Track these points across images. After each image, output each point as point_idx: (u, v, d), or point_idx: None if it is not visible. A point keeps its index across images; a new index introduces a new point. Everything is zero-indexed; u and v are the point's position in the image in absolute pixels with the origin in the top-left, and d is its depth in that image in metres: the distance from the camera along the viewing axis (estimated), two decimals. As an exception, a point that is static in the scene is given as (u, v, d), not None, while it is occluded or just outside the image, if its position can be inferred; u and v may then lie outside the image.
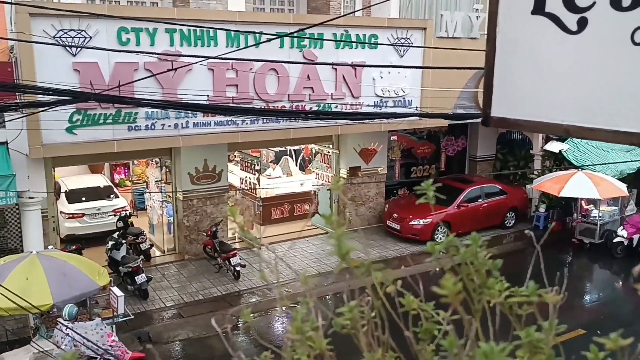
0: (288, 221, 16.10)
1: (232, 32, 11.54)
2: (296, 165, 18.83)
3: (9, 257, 9.78)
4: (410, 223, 15.22)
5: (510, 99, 1.33)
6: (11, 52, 10.66)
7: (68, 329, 8.13)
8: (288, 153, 18.93)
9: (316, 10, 16.36)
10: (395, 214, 15.74)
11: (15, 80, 9.98)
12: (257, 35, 11.26)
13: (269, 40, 10.52)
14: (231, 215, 1.86)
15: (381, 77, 13.62)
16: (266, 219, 15.71)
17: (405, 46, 13.73)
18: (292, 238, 15.15)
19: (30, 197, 10.76)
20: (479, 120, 1.45)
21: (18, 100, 9.80)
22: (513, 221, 16.69)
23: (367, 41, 13.23)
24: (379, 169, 16.58)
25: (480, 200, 16.07)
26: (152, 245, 14.30)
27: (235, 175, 16.52)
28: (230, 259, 12.74)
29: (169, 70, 10.14)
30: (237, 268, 12.78)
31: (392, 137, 16.96)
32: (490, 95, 1.32)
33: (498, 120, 1.32)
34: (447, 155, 18.69)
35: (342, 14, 15.20)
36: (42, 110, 9.53)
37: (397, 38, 13.65)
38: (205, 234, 13.56)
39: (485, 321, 1.29)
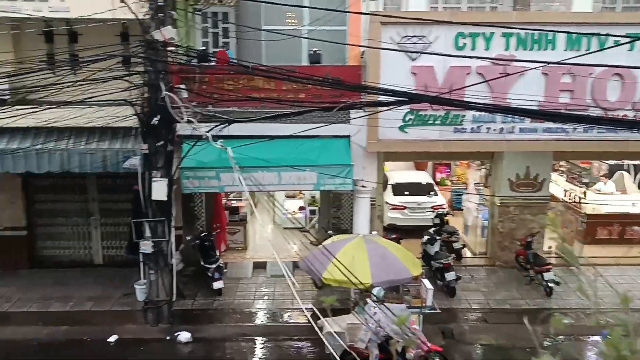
0: (616, 243, 14.40)
1: (573, 35, 10.83)
2: (634, 182, 16.64)
3: (341, 236, 11.25)
4: None
5: None
6: (362, 57, 12.08)
7: (376, 309, 8.91)
8: (625, 167, 16.85)
9: (682, 6, 14.05)
10: None
11: (362, 82, 11.31)
12: (602, 37, 10.34)
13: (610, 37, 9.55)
14: (551, 225, 1.84)
15: None
16: (590, 237, 14.35)
17: None
18: (619, 263, 13.50)
19: (363, 186, 12.08)
20: None
21: (362, 100, 11.10)
22: None
23: None
24: None
25: None
26: (464, 246, 14.56)
27: (558, 186, 15.52)
28: (544, 274, 12.11)
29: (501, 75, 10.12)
30: (550, 284, 12.06)
31: None
32: None
33: None
34: None
35: None
36: (382, 110, 10.60)
37: None
38: (519, 244, 13.14)
39: None
